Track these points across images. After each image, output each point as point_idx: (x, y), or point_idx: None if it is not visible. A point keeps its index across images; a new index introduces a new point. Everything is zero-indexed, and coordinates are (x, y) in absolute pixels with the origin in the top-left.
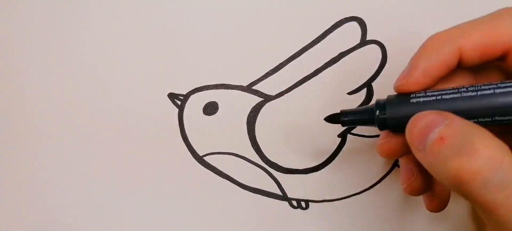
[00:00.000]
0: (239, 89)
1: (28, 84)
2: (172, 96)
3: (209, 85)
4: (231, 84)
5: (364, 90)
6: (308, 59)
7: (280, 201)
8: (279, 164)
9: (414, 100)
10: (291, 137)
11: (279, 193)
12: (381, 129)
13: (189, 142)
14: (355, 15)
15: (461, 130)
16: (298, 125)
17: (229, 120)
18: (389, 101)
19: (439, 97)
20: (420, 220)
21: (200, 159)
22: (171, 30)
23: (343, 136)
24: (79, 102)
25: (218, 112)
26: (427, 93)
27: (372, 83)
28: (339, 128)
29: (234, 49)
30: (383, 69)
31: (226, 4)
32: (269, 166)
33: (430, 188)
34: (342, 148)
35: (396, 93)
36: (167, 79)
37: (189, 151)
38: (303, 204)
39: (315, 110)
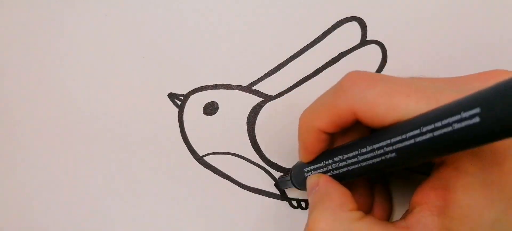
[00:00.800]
0: (239, 89)
1: (28, 84)
2: (172, 96)
3: (209, 85)
4: (231, 84)
5: None
6: (308, 59)
7: (280, 201)
8: (279, 164)
9: (305, 169)
10: (291, 137)
11: (279, 193)
12: (296, 187)
13: (189, 142)
14: (355, 15)
15: (313, 201)
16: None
17: (229, 120)
18: (293, 171)
19: (313, 172)
20: None
21: (200, 159)
22: (171, 30)
23: None
24: (79, 103)
25: (218, 112)
26: (311, 169)
27: None
28: None
29: (234, 49)
30: (383, 69)
31: (226, 4)
32: (269, 166)
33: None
34: None
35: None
36: (167, 79)
37: (189, 151)
38: (303, 204)
39: None
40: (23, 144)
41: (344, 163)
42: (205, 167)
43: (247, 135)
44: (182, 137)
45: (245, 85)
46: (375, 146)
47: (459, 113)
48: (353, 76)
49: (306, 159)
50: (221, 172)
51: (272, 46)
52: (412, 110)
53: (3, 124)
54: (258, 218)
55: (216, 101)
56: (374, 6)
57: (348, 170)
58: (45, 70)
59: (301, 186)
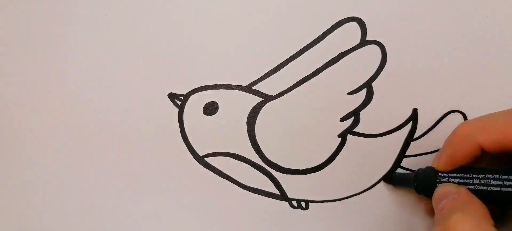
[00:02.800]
0: (239, 89)
1: (28, 84)
2: (172, 96)
3: (209, 85)
4: (231, 84)
5: (364, 90)
6: (308, 59)
7: (280, 201)
8: (279, 164)
9: (441, 176)
10: (291, 137)
11: (279, 193)
12: (417, 192)
13: (189, 142)
14: (355, 15)
15: (453, 205)
16: (299, 125)
17: (229, 120)
18: (422, 173)
19: (458, 180)
20: (420, 220)
21: (200, 159)
22: (171, 30)
23: (343, 136)
24: (79, 102)
25: (218, 112)
26: (451, 175)
27: (372, 84)
28: (339, 128)
29: (234, 49)
30: (383, 70)
31: (226, 4)
32: (269, 166)
33: None
34: (342, 148)
35: (431, 167)
36: (167, 79)
37: (189, 151)
38: (303, 204)
39: (315, 110)
40: (22, 143)
41: (498, 182)
42: (205, 167)
43: (247, 135)
44: (182, 137)
45: (245, 85)
46: None
47: None
48: None
49: (447, 167)
50: (221, 172)
51: (272, 46)
52: None
53: (3, 124)
54: (258, 218)
55: (216, 101)
56: (374, 6)
57: (501, 191)
58: (45, 70)
59: (425, 191)
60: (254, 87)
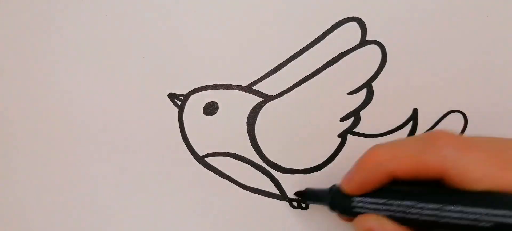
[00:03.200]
0: (239, 89)
1: (27, 84)
2: (172, 96)
3: (209, 85)
4: (231, 84)
5: (364, 90)
6: (308, 59)
7: (280, 201)
8: (279, 164)
9: (355, 201)
10: (291, 137)
11: (279, 193)
12: (331, 210)
13: (189, 142)
14: (355, 15)
15: None
16: (298, 125)
17: (229, 120)
18: (336, 194)
19: (373, 208)
20: None
21: (200, 159)
22: (171, 30)
23: (343, 136)
24: (79, 102)
25: (218, 112)
26: (364, 200)
27: (372, 83)
28: (339, 128)
29: (234, 49)
30: (383, 70)
31: (226, 4)
32: (269, 166)
33: None
34: (342, 148)
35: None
36: (167, 79)
37: (189, 151)
38: (303, 204)
39: (315, 110)
40: (22, 145)
41: (416, 211)
42: (205, 167)
43: (247, 135)
44: (182, 137)
45: (245, 85)
46: (469, 210)
47: None
48: (448, 137)
49: (356, 192)
50: (221, 172)
51: (272, 46)
52: (507, 184)
53: (3, 124)
54: (258, 218)
55: (216, 101)
56: (373, 6)
57: (419, 219)
58: (45, 70)
59: (344, 212)
60: (254, 87)
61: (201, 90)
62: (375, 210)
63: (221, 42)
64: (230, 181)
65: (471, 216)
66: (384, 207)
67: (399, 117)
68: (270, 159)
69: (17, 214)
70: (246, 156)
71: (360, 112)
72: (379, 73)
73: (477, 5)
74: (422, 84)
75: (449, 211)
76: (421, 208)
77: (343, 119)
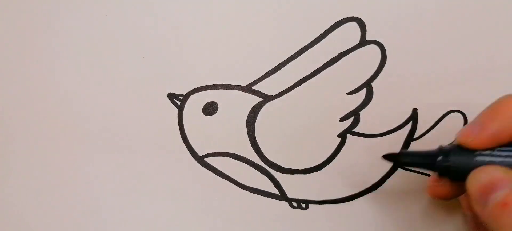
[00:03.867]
0: (239, 89)
1: (27, 84)
2: (172, 96)
3: (209, 85)
4: (231, 84)
5: (364, 90)
6: (308, 59)
7: (280, 201)
8: (279, 164)
9: (479, 157)
10: (291, 137)
11: (279, 193)
12: (440, 175)
13: (189, 142)
14: (354, 15)
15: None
16: (298, 125)
17: (229, 120)
18: (453, 151)
19: (508, 158)
20: (420, 220)
21: (200, 159)
22: (171, 30)
23: (343, 136)
24: (79, 103)
25: (218, 112)
26: (494, 153)
27: (372, 83)
28: (338, 128)
29: (234, 49)
30: (383, 69)
31: (226, 4)
32: (269, 166)
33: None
34: (341, 148)
35: (457, 144)
36: (167, 79)
37: (189, 151)
38: (303, 204)
39: (315, 110)
40: (21, 144)
41: None
42: (205, 167)
43: (247, 135)
44: (182, 137)
45: (245, 85)
46: None
47: None
48: None
49: (487, 144)
50: (221, 172)
51: (272, 46)
52: None
53: (2, 125)
54: (258, 218)
55: (216, 101)
56: (373, 6)
57: None
58: (44, 70)
59: (456, 175)
60: (254, 87)
61: (201, 90)
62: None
63: (221, 42)
64: (230, 181)
65: None
66: None
67: (399, 117)
68: (270, 159)
69: (17, 214)
70: (246, 156)
71: (360, 112)
72: (379, 73)
73: (477, 5)
74: (422, 84)
75: None
76: None
77: (342, 119)
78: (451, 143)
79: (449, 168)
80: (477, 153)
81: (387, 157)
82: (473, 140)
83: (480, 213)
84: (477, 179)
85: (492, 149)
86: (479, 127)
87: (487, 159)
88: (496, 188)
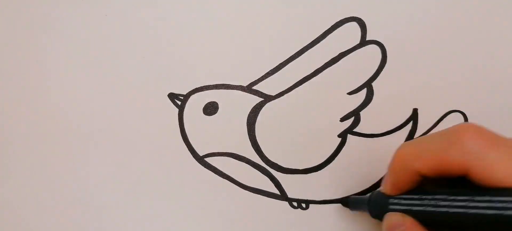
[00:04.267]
0: (239, 89)
1: (27, 84)
2: (172, 96)
3: (209, 85)
4: (231, 84)
5: (364, 90)
6: (308, 59)
7: (280, 201)
8: (279, 164)
9: (391, 202)
10: (291, 137)
11: (279, 193)
12: (372, 217)
13: (189, 142)
14: (355, 15)
15: None
16: (299, 125)
17: (229, 120)
18: (377, 197)
19: (407, 207)
20: None
21: (200, 159)
22: (171, 30)
23: (343, 136)
24: (79, 103)
25: (218, 112)
26: (400, 201)
27: (372, 83)
28: (339, 128)
29: (234, 49)
30: (383, 69)
31: (226, 4)
32: (269, 166)
33: None
34: (342, 148)
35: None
36: (167, 79)
37: (189, 151)
38: (303, 204)
39: (315, 110)
40: (22, 144)
41: (446, 203)
42: (205, 167)
43: (247, 135)
44: (182, 137)
45: (245, 85)
46: (496, 198)
47: None
48: (472, 131)
49: (393, 192)
50: (221, 172)
51: (272, 46)
52: None
53: (3, 125)
54: (258, 218)
55: (216, 101)
56: (373, 6)
57: (448, 213)
58: (45, 70)
59: (379, 216)
60: (254, 87)
61: (201, 90)
62: (410, 207)
63: (221, 42)
64: (230, 181)
65: (499, 204)
66: (417, 202)
67: (399, 117)
68: (270, 159)
69: (17, 214)
70: (246, 156)
71: (360, 112)
72: (379, 73)
73: (477, 5)
74: (422, 84)
75: (477, 202)
76: (452, 200)
77: (343, 119)
78: (378, 190)
79: (373, 212)
80: (390, 199)
81: (342, 202)
82: (385, 189)
83: None
84: (385, 221)
85: (400, 195)
86: (386, 177)
87: (395, 207)
88: (395, 228)
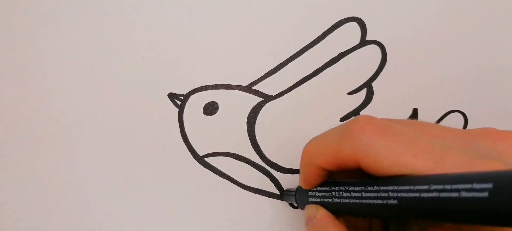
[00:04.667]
0: (239, 89)
1: (27, 84)
2: (172, 96)
3: (209, 85)
4: (231, 84)
5: (364, 90)
6: (308, 59)
7: (280, 201)
8: (279, 164)
9: (310, 194)
10: (291, 137)
11: (279, 193)
12: (301, 209)
13: (189, 142)
14: (355, 15)
15: (316, 227)
16: (298, 125)
17: (229, 120)
18: (299, 190)
19: (320, 199)
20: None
21: (200, 159)
22: (171, 30)
23: None
24: (79, 103)
25: (218, 112)
26: (315, 193)
27: (372, 83)
28: None
29: (234, 49)
30: (383, 69)
31: (226, 4)
32: (269, 166)
33: None
34: None
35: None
36: (167, 79)
37: (189, 151)
38: None
39: (315, 110)
40: (22, 144)
41: (347, 194)
42: (205, 167)
43: (247, 135)
44: (182, 137)
45: (245, 85)
46: (381, 188)
47: (471, 183)
48: (362, 123)
49: (307, 186)
50: (221, 172)
51: (272, 46)
52: (417, 171)
53: (3, 125)
54: (258, 218)
55: (216, 101)
56: (373, 6)
57: (349, 203)
58: (44, 70)
59: (303, 207)
60: (254, 87)
61: (201, 90)
62: (322, 199)
63: (221, 42)
64: (230, 181)
65: (382, 195)
66: (327, 194)
67: (399, 117)
68: (270, 158)
69: (17, 214)
70: (246, 156)
71: (360, 113)
72: (379, 73)
73: (477, 5)
74: (422, 84)
75: (368, 192)
76: (350, 191)
77: (343, 119)
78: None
79: (299, 204)
80: (309, 191)
81: (280, 195)
82: (302, 185)
83: None
84: (305, 213)
85: (316, 188)
86: (299, 173)
87: (313, 199)
88: (310, 219)
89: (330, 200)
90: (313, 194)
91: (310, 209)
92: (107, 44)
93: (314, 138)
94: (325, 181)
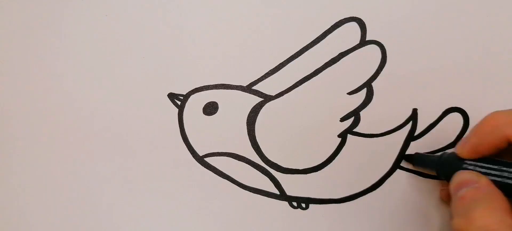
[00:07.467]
0: (239, 89)
1: (27, 84)
2: (172, 96)
3: (209, 85)
4: (231, 84)
5: (364, 90)
6: (308, 59)
7: (280, 201)
8: (279, 164)
9: (466, 165)
10: (291, 137)
11: (279, 193)
12: (440, 178)
13: (189, 142)
14: (354, 16)
15: (475, 196)
16: (298, 125)
17: (229, 120)
18: (450, 158)
19: (483, 170)
20: (420, 220)
21: (200, 159)
22: (171, 30)
23: (343, 136)
24: (80, 103)
25: (218, 112)
26: (477, 164)
27: (372, 83)
28: (339, 128)
29: (234, 49)
30: (383, 69)
31: (226, 4)
32: (269, 166)
33: None
34: (342, 148)
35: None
36: (167, 79)
37: (189, 151)
38: (303, 204)
39: (315, 110)
40: (23, 145)
41: None
42: (205, 167)
43: (247, 135)
44: (182, 137)
45: (245, 85)
46: None
47: None
48: None
49: (470, 155)
50: (221, 172)
51: (272, 46)
52: None
53: (3, 125)
54: (258, 218)
55: (216, 101)
56: (373, 6)
57: None
58: (45, 70)
59: (447, 176)
60: (254, 87)
61: (201, 90)
62: (486, 174)
63: (221, 42)
64: (230, 181)
65: None
66: (496, 173)
67: (399, 117)
68: (270, 159)
69: (18, 215)
70: (246, 156)
71: (360, 112)
72: (379, 73)
73: (476, 5)
74: (422, 84)
75: None
76: None
77: (343, 119)
78: (451, 150)
79: (442, 171)
80: (465, 161)
81: (405, 157)
82: (461, 151)
83: (453, 201)
84: (455, 179)
85: (477, 160)
86: (465, 140)
87: (470, 167)
88: (463, 186)
89: (499, 179)
90: (471, 166)
91: (468, 174)
92: (107, 44)
93: (501, 111)
94: (490, 155)
